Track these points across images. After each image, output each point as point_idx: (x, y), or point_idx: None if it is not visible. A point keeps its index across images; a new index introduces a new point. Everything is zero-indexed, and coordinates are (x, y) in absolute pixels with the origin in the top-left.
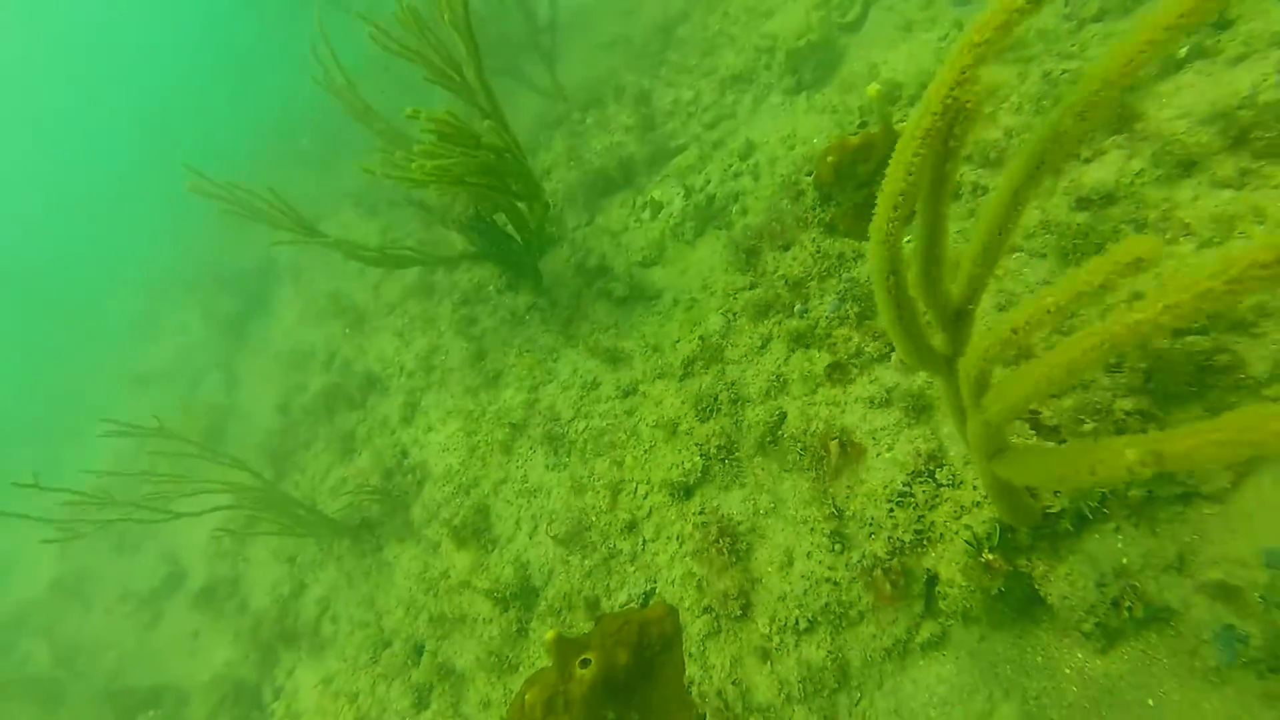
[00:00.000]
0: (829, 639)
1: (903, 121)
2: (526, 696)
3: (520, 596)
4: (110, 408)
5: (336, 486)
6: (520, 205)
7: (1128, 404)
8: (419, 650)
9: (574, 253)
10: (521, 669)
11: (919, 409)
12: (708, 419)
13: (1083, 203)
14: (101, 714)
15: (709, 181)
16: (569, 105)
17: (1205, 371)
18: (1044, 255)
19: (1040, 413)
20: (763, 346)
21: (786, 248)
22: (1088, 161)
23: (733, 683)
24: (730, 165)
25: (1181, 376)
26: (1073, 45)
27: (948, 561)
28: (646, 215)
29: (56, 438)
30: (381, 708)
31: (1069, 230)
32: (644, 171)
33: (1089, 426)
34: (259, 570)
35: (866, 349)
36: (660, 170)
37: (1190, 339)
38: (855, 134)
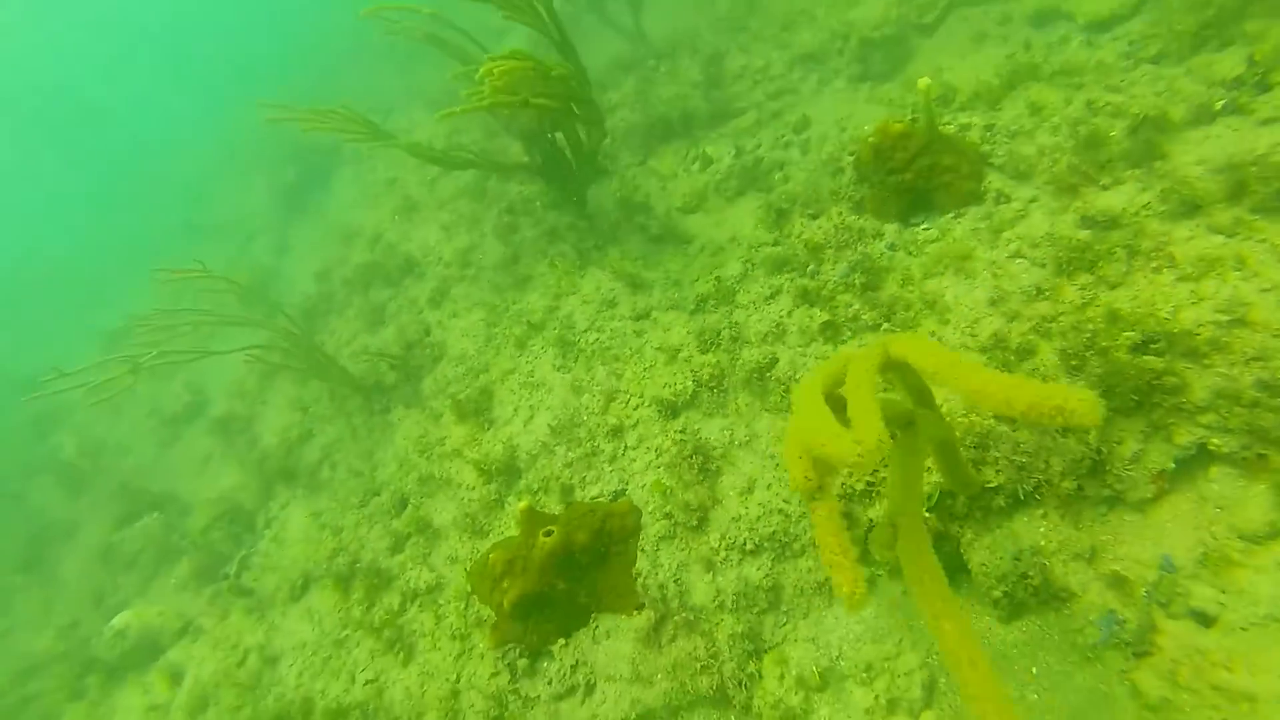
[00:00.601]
0: (769, 564)
1: (949, 124)
2: (490, 555)
3: (504, 473)
4: (167, 253)
5: (359, 352)
6: (579, 129)
7: None
8: (403, 503)
9: (621, 187)
10: (492, 535)
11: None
12: (707, 351)
13: (1088, 221)
14: (114, 506)
15: (759, 146)
16: (646, 52)
17: (1153, 389)
18: (1043, 265)
19: None
20: (771, 297)
21: (815, 217)
22: (1105, 188)
23: (675, 582)
24: (783, 135)
25: (1131, 389)
26: (1122, 80)
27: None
28: (695, 167)
29: (114, 274)
30: (360, 544)
31: (1069, 245)
32: (702, 126)
33: None
34: (274, 413)
35: (863, 316)
36: (718, 128)
37: (1147, 358)
38: (900, 122)
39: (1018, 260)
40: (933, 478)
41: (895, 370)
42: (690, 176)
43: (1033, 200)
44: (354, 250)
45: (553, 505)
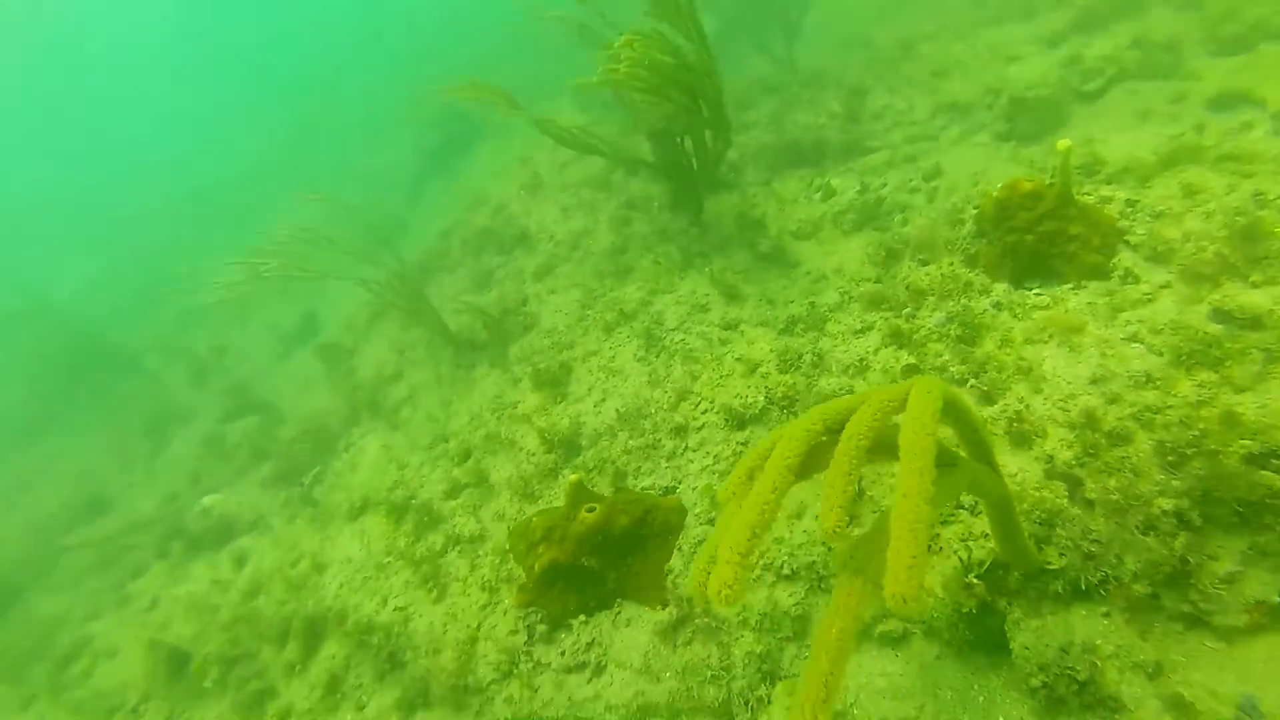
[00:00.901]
0: (803, 593)
1: (1087, 194)
2: (533, 519)
3: (565, 445)
4: (318, 187)
5: (460, 309)
6: (706, 134)
7: (1168, 504)
8: (467, 454)
9: (740, 202)
10: (541, 501)
11: None
12: (786, 371)
13: (1223, 316)
14: (225, 402)
15: (885, 186)
16: (791, 79)
17: (1265, 509)
18: (1161, 353)
19: (1085, 484)
20: (861, 331)
21: (925, 263)
22: (1254, 285)
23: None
24: (911, 180)
25: (1235, 501)
26: None
27: (935, 571)
28: (818, 196)
29: (271, 201)
30: (420, 483)
31: (1196, 337)
32: (833, 157)
33: (1123, 506)
34: (373, 350)
35: (951, 368)
36: (848, 162)
37: (1265, 473)
38: (1031, 181)
39: (1133, 344)
40: (989, 544)
41: (948, 415)
42: (810, 204)
43: (1165, 285)
44: (477, 215)
45: (604, 486)
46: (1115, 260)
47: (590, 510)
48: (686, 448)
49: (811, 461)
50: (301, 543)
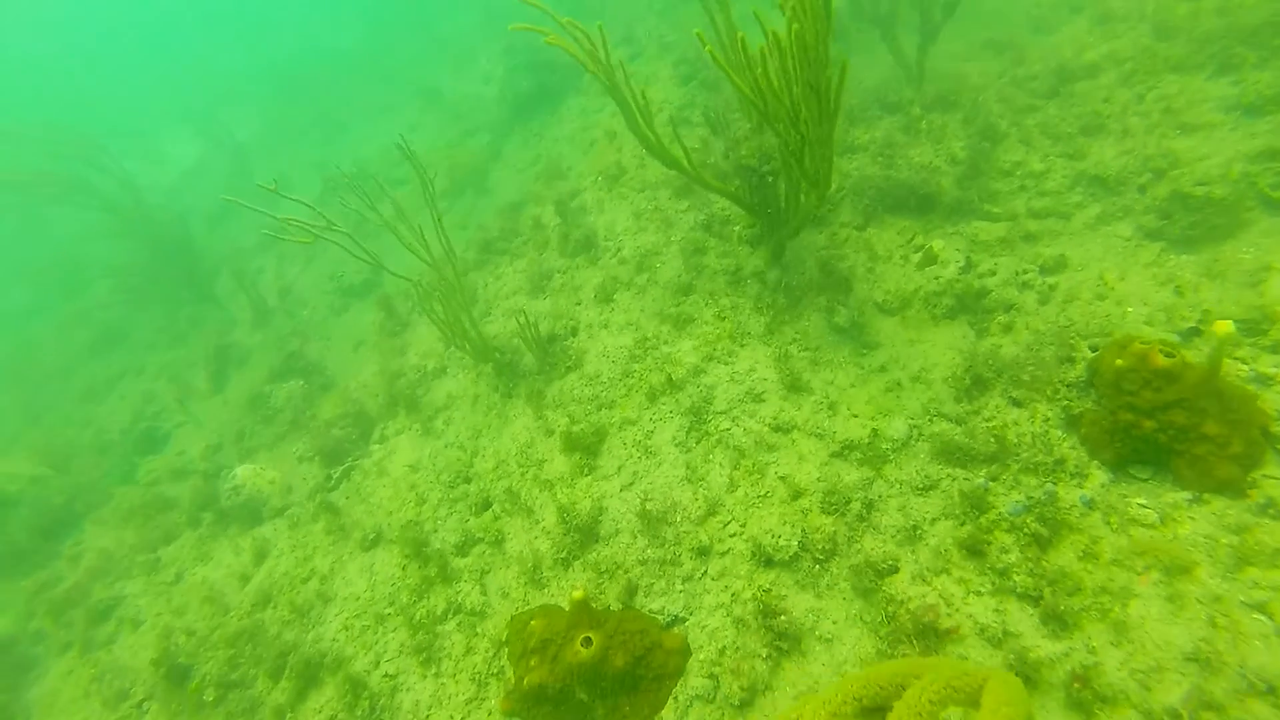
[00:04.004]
0: None
1: (1240, 366)
2: (532, 622)
3: (582, 531)
4: (404, 112)
5: (512, 310)
6: (803, 182)
7: None
8: (487, 504)
9: (828, 245)
10: (547, 591)
11: (1015, 669)
12: (829, 513)
13: None
14: (275, 356)
15: (994, 270)
16: (915, 95)
17: None
18: None
19: None
20: (924, 490)
21: (1018, 404)
22: None
23: None
24: (1025, 270)
25: None
26: None
27: None
28: (916, 259)
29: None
30: (434, 525)
31: None
32: (942, 212)
33: None
34: (426, 329)
35: (1013, 574)
36: (958, 223)
37: None
38: (1168, 352)
39: (1258, 615)
40: None
41: None
42: (904, 269)
43: None
44: (550, 192)
45: (612, 595)
46: (1257, 475)
47: (586, 643)
48: (706, 573)
49: None
50: (315, 558)
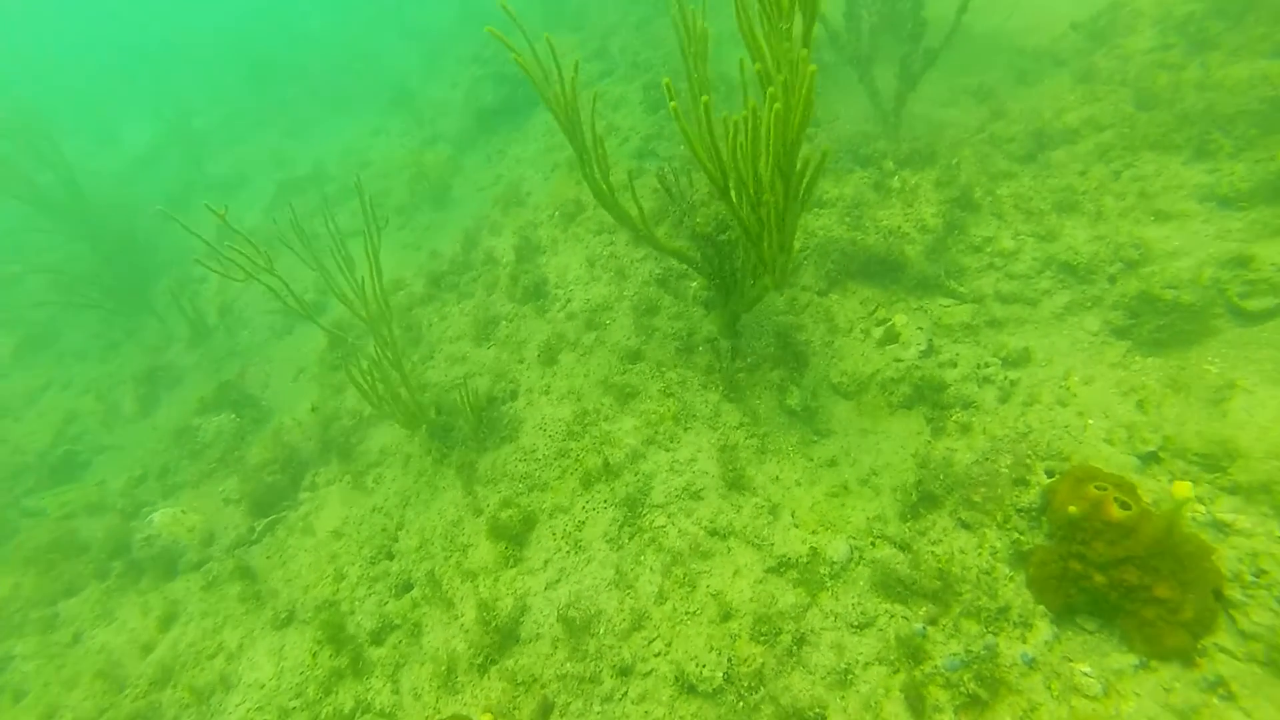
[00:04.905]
0: None
1: (1198, 513)
2: None
3: (502, 633)
4: (371, 110)
5: (454, 357)
6: (764, 259)
7: None
8: (407, 587)
9: (787, 312)
10: (460, 697)
11: None
12: (759, 641)
13: None
14: (208, 383)
15: (955, 359)
16: (889, 148)
17: None
18: None
19: None
20: (859, 627)
21: (967, 527)
22: None
23: None
24: (988, 363)
25: None
26: None
27: None
28: (876, 334)
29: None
30: (352, 607)
31: None
32: (907, 284)
33: None
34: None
35: None
36: (922, 297)
37: None
38: (1124, 503)
39: None
40: None
41: None
42: (864, 345)
43: None
44: (505, 228)
45: (524, 715)
46: (1208, 644)
47: None
48: (626, 695)
49: None
50: (225, 627)
